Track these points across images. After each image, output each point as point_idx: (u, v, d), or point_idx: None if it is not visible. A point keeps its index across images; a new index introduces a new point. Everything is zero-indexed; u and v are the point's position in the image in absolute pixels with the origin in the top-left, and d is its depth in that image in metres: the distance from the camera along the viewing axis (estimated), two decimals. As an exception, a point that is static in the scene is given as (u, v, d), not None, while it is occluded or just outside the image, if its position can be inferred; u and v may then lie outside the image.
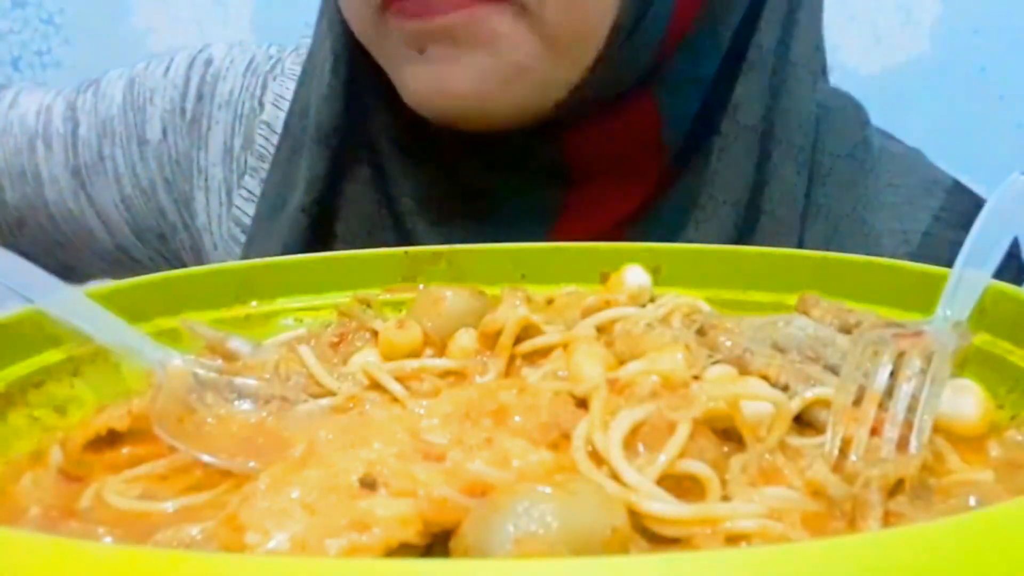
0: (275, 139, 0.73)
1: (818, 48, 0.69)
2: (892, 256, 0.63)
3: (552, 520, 0.27)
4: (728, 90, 0.64)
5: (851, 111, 0.70)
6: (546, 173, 0.65)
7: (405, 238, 0.67)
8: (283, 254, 0.62)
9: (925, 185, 0.69)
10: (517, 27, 0.56)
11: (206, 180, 0.76)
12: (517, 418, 0.35)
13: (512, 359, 0.44)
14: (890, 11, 1.47)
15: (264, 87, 0.77)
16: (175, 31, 1.70)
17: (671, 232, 0.65)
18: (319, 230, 0.68)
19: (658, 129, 0.64)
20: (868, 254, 0.65)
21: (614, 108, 0.63)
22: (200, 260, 0.77)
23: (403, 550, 0.29)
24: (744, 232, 0.65)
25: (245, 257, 0.72)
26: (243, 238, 0.73)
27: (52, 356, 0.44)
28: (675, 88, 0.63)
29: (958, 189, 0.70)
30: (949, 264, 0.66)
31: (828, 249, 0.63)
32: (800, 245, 0.65)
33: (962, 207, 0.68)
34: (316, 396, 0.43)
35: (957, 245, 0.67)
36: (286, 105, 0.73)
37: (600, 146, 0.64)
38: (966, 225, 0.68)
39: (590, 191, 0.65)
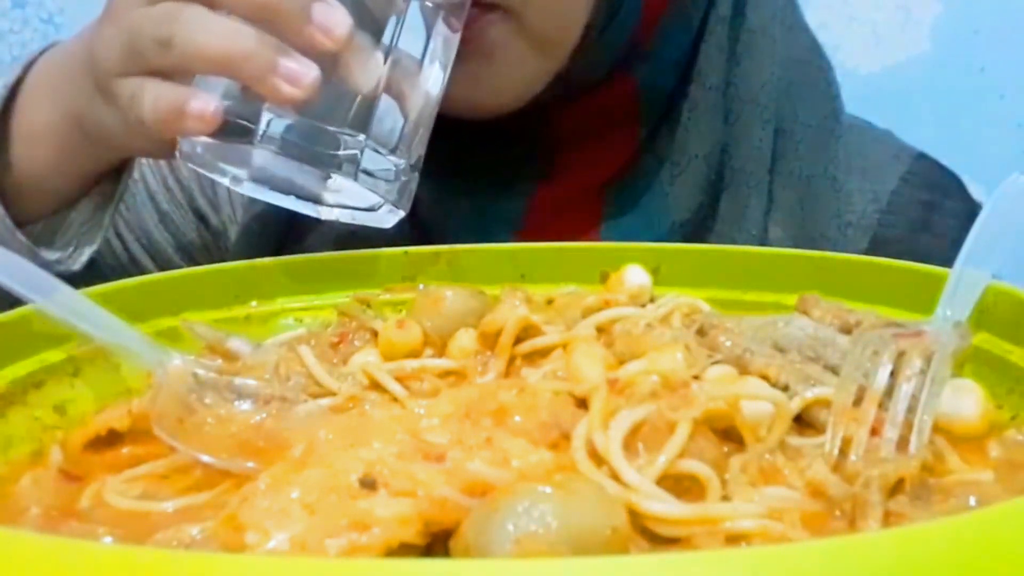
0: None
1: (790, 13, 0.73)
2: (862, 213, 0.70)
3: (552, 520, 0.27)
4: (694, 59, 0.70)
5: (822, 86, 0.74)
6: (532, 141, 0.69)
7: None
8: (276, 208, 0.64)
9: (893, 152, 0.74)
10: (506, 32, 0.60)
11: None
12: (517, 418, 0.35)
13: (512, 359, 0.44)
14: (890, 11, 1.46)
15: None
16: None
17: (649, 187, 0.69)
18: None
19: (637, 105, 0.68)
20: (840, 211, 0.69)
21: (594, 89, 0.67)
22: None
23: (403, 550, 0.29)
24: (715, 185, 0.69)
25: (247, 226, 0.72)
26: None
27: (52, 356, 0.44)
28: (652, 68, 0.68)
29: (924, 157, 0.75)
30: (913, 221, 0.70)
31: (801, 206, 0.69)
32: (771, 202, 0.69)
33: (928, 172, 0.74)
34: (316, 396, 0.43)
35: (922, 204, 0.71)
36: None
37: (582, 120, 0.68)
38: (931, 187, 0.72)
39: (573, 155, 0.69)
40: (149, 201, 0.76)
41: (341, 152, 0.49)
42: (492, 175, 0.69)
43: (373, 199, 0.52)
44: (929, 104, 1.45)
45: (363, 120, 0.49)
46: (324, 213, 0.53)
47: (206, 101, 0.48)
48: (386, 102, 0.51)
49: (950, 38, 1.45)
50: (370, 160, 0.50)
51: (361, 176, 0.49)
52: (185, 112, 0.48)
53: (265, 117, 0.48)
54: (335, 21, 0.47)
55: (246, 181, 0.51)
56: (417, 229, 0.69)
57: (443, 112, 0.64)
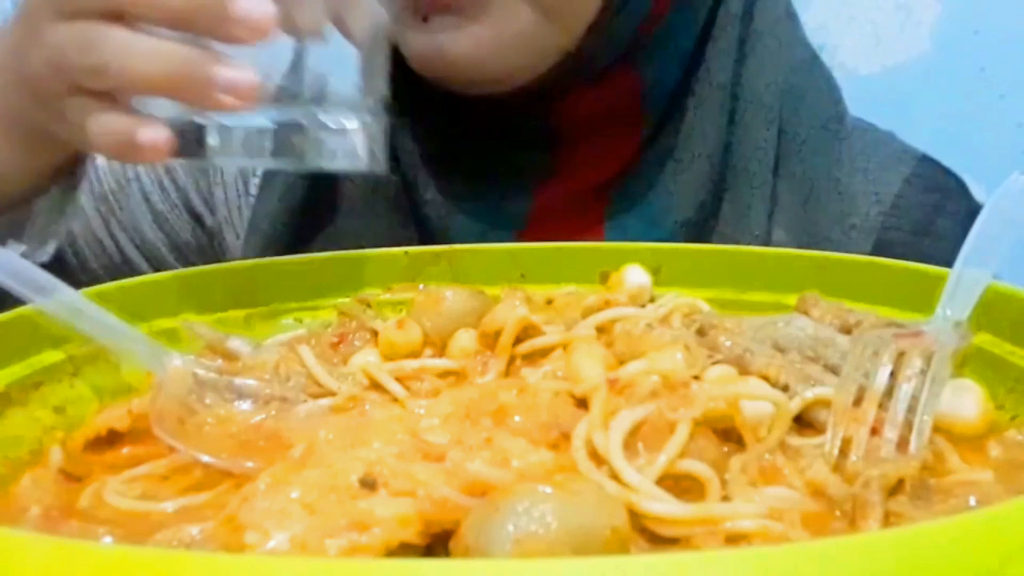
0: None
1: (791, 22, 0.73)
2: (866, 215, 0.70)
3: (552, 520, 0.27)
4: (701, 56, 0.69)
5: (825, 89, 0.74)
6: (536, 137, 0.69)
7: (408, 189, 0.70)
8: (284, 208, 0.63)
9: (896, 154, 0.74)
10: None
11: (222, 175, 0.76)
12: (517, 418, 0.35)
13: (512, 359, 0.44)
14: (890, 11, 1.46)
15: None
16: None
17: (652, 185, 0.69)
18: (321, 184, 0.69)
19: (640, 98, 0.68)
20: (843, 213, 0.69)
21: (599, 80, 0.67)
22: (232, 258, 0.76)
23: (403, 550, 0.29)
24: (718, 185, 0.69)
25: (250, 224, 0.72)
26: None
27: (52, 356, 0.44)
28: (656, 61, 0.68)
29: (927, 159, 0.75)
30: (917, 223, 0.71)
31: (805, 208, 0.69)
32: (774, 203, 0.69)
33: (931, 174, 0.73)
34: (316, 396, 0.43)
35: (926, 207, 0.71)
36: None
37: (586, 114, 0.68)
38: (935, 190, 0.72)
39: (577, 152, 0.69)
40: (144, 201, 0.76)
41: (301, 133, 0.47)
42: (496, 175, 0.69)
43: (349, 159, 0.51)
44: (929, 104, 1.45)
45: (320, 90, 0.48)
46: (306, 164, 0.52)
47: (156, 131, 0.46)
48: (319, 51, 0.48)
49: (950, 38, 1.45)
50: (331, 120, 0.48)
51: (330, 140, 0.48)
52: (137, 145, 0.46)
53: (217, 125, 0.47)
54: (255, 9, 0.44)
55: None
56: (420, 229, 0.69)
57: (451, 83, 0.63)
